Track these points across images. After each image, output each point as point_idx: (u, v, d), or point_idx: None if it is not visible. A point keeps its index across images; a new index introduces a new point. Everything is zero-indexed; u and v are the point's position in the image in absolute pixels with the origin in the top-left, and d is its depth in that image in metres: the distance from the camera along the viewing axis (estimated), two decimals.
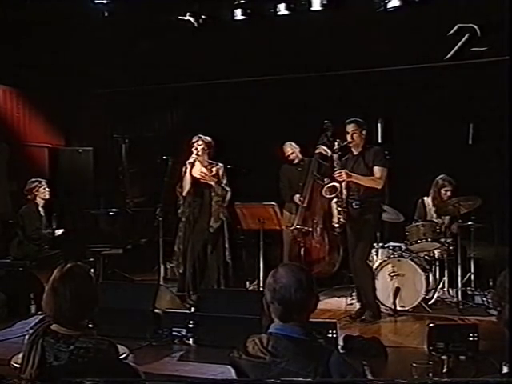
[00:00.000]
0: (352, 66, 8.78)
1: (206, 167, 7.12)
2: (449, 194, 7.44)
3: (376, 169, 6.38)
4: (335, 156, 6.51)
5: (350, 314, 6.62)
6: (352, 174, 6.40)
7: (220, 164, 7.19)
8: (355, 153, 6.51)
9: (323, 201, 7.35)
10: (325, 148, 7.53)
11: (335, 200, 6.54)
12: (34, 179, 7.93)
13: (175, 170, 7.25)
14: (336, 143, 6.53)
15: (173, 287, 7.07)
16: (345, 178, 6.39)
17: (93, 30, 8.75)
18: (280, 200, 7.79)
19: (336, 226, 6.55)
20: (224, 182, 7.09)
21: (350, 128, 6.45)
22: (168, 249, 7.69)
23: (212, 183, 7.02)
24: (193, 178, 7.02)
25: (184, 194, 7.03)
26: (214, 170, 7.13)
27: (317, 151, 7.66)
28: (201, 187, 7.06)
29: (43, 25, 8.56)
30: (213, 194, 7.02)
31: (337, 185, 6.48)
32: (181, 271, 7.11)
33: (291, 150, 8.09)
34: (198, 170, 7.09)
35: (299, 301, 2.73)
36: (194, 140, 7.08)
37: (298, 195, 7.81)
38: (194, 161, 7.02)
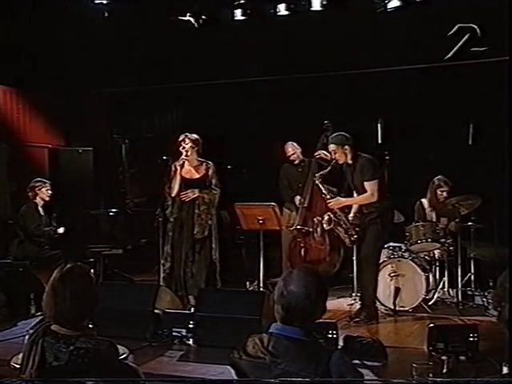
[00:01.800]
0: (352, 66, 8.77)
1: (194, 167, 7.05)
2: (445, 194, 7.46)
3: (366, 184, 6.42)
4: (320, 185, 6.68)
5: (350, 314, 6.62)
6: (342, 200, 6.62)
7: (210, 163, 7.09)
8: (349, 163, 6.56)
9: (323, 201, 7.37)
10: (324, 152, 7.57)
11: (338, 227, 6.66)
12: (39, 179, 7.98)
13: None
14: (317, 175, 6.75)
15: None
16: (335, 208, 6.60)
17: (93, 30, 8.74)
18: (280, 200, 7.79)
19: (348, 243, 6.71)
20: (213, 181, 7.01)
21: (330, 148, 6.59)
22: None
23: (197, 194, 6.95)
24: (182, 179, 6.97)
25: (173, 195, 6.96)
26: (203, 169, 7.06)
27: (317, 156, 7.68)
28: (190, 189, 7.00)
29: (43, 25, 8.55)
30: (197, 202, 6.95)
31: (330, 214, 6.63)
32: (168, 271, 7.06)
33: (292, 150, 8.10)
34: (188, 171, 7.05)
35: (303, 310, 2.73)
36: (180, 139, 6.97)
37: (298, 196, 7.80)
38: (184, 162, 6.99)
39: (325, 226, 6.85)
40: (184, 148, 6.92)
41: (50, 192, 7.92)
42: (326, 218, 6.74)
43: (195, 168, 7.06)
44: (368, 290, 6.52)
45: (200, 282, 6.86)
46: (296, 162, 8.10)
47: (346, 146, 6.48)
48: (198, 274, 6.93)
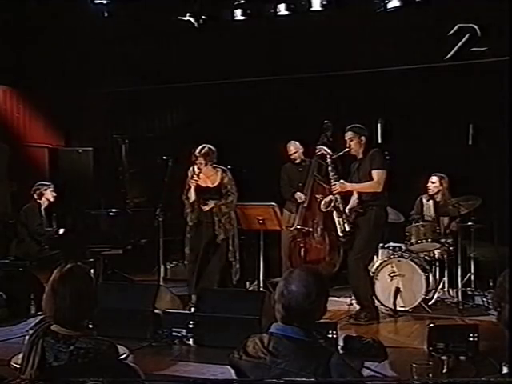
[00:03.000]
0: (352, 66, 8.77)
1: (210, 177, 7.09)
2: (433, 187, 7.57)
3: (374, 172, 6.43)
4: (330, 167, 6.62)
5: (350, 314, 6.62)
6: (347, 184, 6.55)
7: (225, 170, 7.14)
8: (358, 158, 6.58)
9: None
10: (325, 148, 7.55)
11: (335, 212, 6.62)
12: (43, 182, 8.07)
13: (175, 170, 7.26)
14: (329, 156, 6.68)
15: (173, 287, 7.08)
16: (339, 190, 6.55)
17: (93, 30, 8.75)
18: (280, 200, 7.78)
19: (340, 235, 6.65)
20: (229, 187, 7.06)
21: (347, 136, 6.57)
22: (168, 249, 7.69)
23: (213, 205, 7.02)
24: (198, 188, 7.02)
25: (191, 202, 7.06)
26: (218, 178, 7.09)
27: (317, 152, 7.67)
28: (207, 196, 7.06)
29: (43, 25, 8.56)
30: (215, 210, 7.03)
31: (332, 198, 6.60)
32: (187, 272, 7.20)
33: (295, 149, 8.10)
34: (204, 180, 7.08)
35: (304, 310, 2.73)
36: (195, 156, 6.96)
37: (299, 193, 7.80)
38: (197, 175, 7.01)
39: (322, 206, 6.82)
40: (199, 168, 6.95)
41: (54, 194, 7.98)
42: (328, 199, 6.72)
43: (210, 178, 7.11)
44: (361, 292, 6.50)
45: (213, 283, 6.93)
46: (297, 161, 8.11)
47: (363, 137, 6.52)
48: (210, 275, 7.01)
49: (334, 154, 6.74)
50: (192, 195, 7.01)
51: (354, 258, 6.51)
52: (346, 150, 6.57)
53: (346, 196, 6.69)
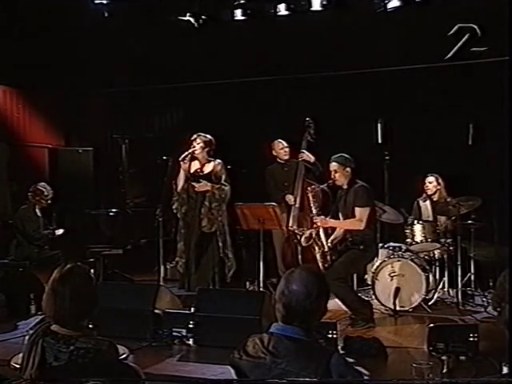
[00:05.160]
0: (352, 67, 8.77)
1: (203, 164, 7.21)
2: (431, 186, 7.63)
3: (356, 210, 6.29)
4: (311, 201, 6.57)
5: (350, 315, 6.60)
6: (329, 221, 6.48)
7: (218, 160, 7.25)
8: (344, 188, 6.46)
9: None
10: (308, 154, 7.60)
11: (316, 247, 6.58)
12: (44, 185, 8.00)
13: (175, 170, 7.28)
14: (310, 189, 6.65)
15: (173, 287, 7.08)
16: (320, 225, 6.49)
17: (93, 31, 8.74)
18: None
19: (321, 266, 6.55)
20: (223, 177, 7.15)
21: (331, 167, 6.42)
22: (168, 249, 7.70)
23: (209, 187, 7.08)
24: (190, 174, 7.09)
25: (178, 190, 7.10)
26: (211, 165, 7.19)
27: (300, 158, 7.67)
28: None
29: (43, 25, 8.56)
30: (208, 195, 7.05)
31: (313, 231, 6.57)
32: (183, 267, 7.23)
33: (280, 147, 8.01)
34: (196, 167, 7.16)
35: (304, 310, 2.73)
36: (192, 138, 7.20)
37: (290, 196, 7.73)
38: (187, 156, 7.08)
39: (303, 241, 6.77)
40: (194, 147, 7.11)
41: (49, 202, 7.97)
42: (308, 233, 6.67)
43: (203, 165, 7.24)
44: (347, 302, 6.38)
45: (206, 279, 6.96)
46: (286, 157, 7.95)
47: (348, 168, 6.36)
48: (204, 269, 7.04)
49: (316, 186, 6.69)
50: (181, 180, 7.04)
51: (330, 280, 6.38)
52: (330, 182, 6.47)
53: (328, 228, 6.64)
